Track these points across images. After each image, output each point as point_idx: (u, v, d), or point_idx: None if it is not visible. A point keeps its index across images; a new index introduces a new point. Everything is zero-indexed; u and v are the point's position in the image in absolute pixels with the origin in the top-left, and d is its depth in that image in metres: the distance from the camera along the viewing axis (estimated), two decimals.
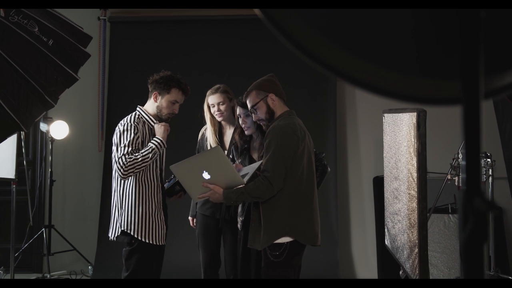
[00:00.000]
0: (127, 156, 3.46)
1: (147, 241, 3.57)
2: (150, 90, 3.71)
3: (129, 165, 3.45)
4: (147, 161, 3.50)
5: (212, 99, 3.98)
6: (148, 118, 3.67)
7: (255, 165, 3.37)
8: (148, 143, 3.58)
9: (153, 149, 3.52)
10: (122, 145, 3.51)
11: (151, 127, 3.66)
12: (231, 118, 4.03)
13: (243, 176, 3.31)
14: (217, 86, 4.04)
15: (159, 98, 3.66)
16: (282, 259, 3.21)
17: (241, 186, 3.23)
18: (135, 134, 3.52)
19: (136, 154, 3.47)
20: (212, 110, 3.99)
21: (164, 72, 3.73)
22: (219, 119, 4.00)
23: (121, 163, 3.46)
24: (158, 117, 3.69)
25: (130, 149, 3.48)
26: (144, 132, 3.61)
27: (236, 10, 5.87)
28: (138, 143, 3.54)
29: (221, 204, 3.88)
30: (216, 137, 4.03)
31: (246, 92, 3.44)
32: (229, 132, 4.07)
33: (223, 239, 4.11)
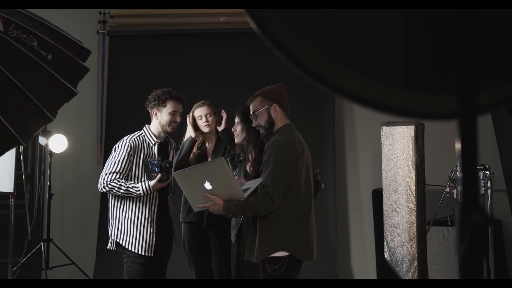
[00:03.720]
0: (112, 175, 3.69)
1: (132, 250, 3.74)
2: (150, 111, 3.91)
3: (110, 186, 3.68)
4: (127, 195, 3.71)
5: (200, 111, 4.13)
6: (149, 136, 3.85)
7: (258, 181, 3.35)
8: (142, 159, 3.76)
9: (138, 192, 3.68)
10: (111, 161, 3.74)
11: (152, 145, 3.84)
12: (214, 131, 4.19)
13: (245, 190, 3.30)
14: (202, 101, 4.20)
15: (159, 114, 3.84)
16: (281, 273, 3.19)
17: (242, 199, 3.22)
18: (127, 153, 3.72)
19: (122, 183, 3.68)
20: (200, 122, 4.12)
21: (155, 90, 3.91)
22: (206, 130, 4.13)
23: (105, 179, 3.70)
24: (165, 132, 3.87)
25: (117, 168, 3.70)
26: (139, 150, 3.78)
27: (234, 24, 5.91)
28: (129, 162, 3.73)
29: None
30: (196, 149, 4.16)
31: (252, 96, 3.45)
32: (211, 144, 4.22)
33: (212, 249, 4.14)
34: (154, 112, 3.85)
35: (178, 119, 3.86)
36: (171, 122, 3.82)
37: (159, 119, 3.84)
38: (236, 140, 3.79)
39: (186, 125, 4.14)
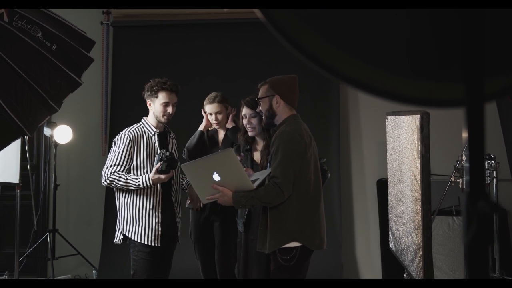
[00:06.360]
0: (113, 168, 3.72)
1: (139, 241, 3.75)
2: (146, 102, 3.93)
3: (111, 179, 3.71)
4: (127, 187, 3.72)
5: (209, 109, 4.15)
6: (148, 127, 3.87)
7: (266, 172, 3.34)
8: (143, 150, 3.77)
9: (138, 184, 3.70)
10: (112, 155, 3.77)
11: (151, 135, 3.85)
12: (225, 125, 4.20)
13: (253, 181, 3.29)
14: (214, 95, 4.19)
15: (152, 104, 3.86)
16: (293, 263, 3.19)
17: (251, 190, 3.20)
18: (126, 145, 3.73)
19: (122, 175, 3.70)
20: (210, 118, 4.17)
21: (151, 81, 3.91)
22: (216, 127, 4.19)
23: (106, 173, 3.73)
24: (159, 122, 3.88)
25: (118, 161, 3.72)
26: (139, 141, 3.78)
27: (238, 14, 5.88)
28: (129, 154, 3.74)
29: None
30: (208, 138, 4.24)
31: (263, 81, 3.44)
32: (221, 134, 4.24)
33: (215, 241, 4.16)
34: (148, 102, 3.87)
35: (170, 109, 3.84)
36: (164, 113, 3.82)
37: (153, 109, 3.85)
38: (253, 134, 3.73)
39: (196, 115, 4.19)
